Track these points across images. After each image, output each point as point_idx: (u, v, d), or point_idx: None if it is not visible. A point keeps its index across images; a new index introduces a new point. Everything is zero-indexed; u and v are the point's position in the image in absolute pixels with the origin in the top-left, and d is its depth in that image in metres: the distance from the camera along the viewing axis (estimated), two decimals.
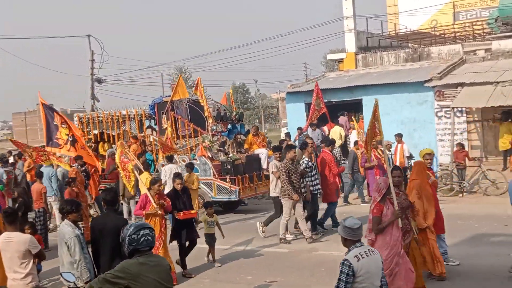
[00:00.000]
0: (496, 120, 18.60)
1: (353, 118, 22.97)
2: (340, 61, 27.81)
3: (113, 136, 18.78)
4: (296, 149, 13.36)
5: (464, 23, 28.66)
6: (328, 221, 13.66)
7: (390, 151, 16.11)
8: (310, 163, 12.91)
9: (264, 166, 17.07)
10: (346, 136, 21.77)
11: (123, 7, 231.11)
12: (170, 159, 15.35)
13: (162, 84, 64.00)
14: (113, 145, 18.33)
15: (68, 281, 6.58)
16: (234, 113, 17.80)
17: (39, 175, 14.20)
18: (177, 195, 10.78)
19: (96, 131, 19.29)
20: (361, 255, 5.47)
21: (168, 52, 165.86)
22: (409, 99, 21.46)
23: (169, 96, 17.94)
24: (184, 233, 10.55)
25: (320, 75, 28.31)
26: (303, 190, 12.54)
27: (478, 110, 19.92)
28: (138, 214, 10.36)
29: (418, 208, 8.79)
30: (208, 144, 16.88)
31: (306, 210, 12.81)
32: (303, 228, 12.40)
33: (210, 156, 16.66)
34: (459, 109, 19.96)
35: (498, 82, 18.77)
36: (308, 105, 22.96)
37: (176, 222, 10.69)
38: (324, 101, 20.54)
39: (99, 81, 35.47)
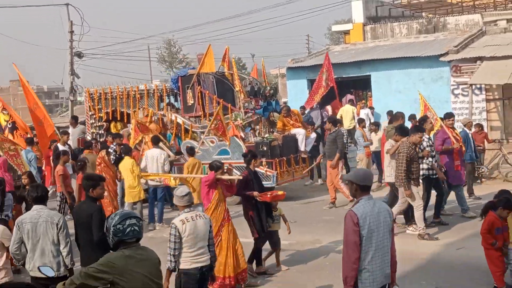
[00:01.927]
0: None
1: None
2: (346, 33, 27.73)
3: (128, 114, 18.14)
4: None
5: None
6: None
7: (470, 130, 15.65)
8: (430, 142, 12.45)
9: (302, 148, 16.76)
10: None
11: None
12: (155, 142, 15.09)
13: (149, 58, 63.89)
14: (128, 124, 17.87)
15: (47, 276, 6.59)
16: (268, 88, 17.27)
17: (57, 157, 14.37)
18: (256, 176, 10.18)
19: (108, 110, 18.65)
20: (187, 219, 7.13)
21: (155, 24, 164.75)
22: (423, 75, 21.42)
23: (193, 68, 17.55)
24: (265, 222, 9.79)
25: (324, 48, 28.15)
26: (431, 171, 12.11)
27: (499, 87, 19.89)
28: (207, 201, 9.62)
29: None
30: (241, 123, 16.17)
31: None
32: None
33: (243, 136, 16.10)
34: (478, 86, 19.92)
35: None
36: (311, 82, 22.92)
37: (255, 209, 9.75)
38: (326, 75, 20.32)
39: (79, 55, 35.28)
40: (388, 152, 11.95)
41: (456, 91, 20.92)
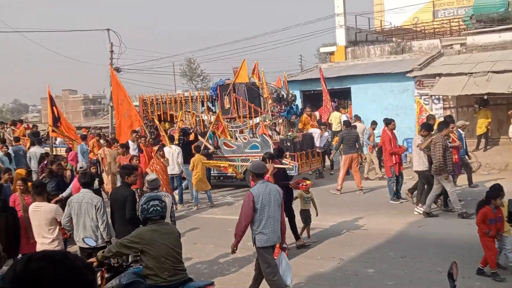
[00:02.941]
0: (476, 107, 18.61)
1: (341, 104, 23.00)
2: (332, 53, 27.65)
3: (175, 116, 17.98)
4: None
5: (442, 20, 28.45)
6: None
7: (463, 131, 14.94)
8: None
9: (317, 144, 16.82)
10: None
11: (140, 4, 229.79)
12: (171, 140, 15.03)
13: (173, 72, 63.71)
14: (174, 125, 17.79)
15: (89, 245, 6.60)
16: (290, 95, 17.04)
17: (126, 147, 14.38)
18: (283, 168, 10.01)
19: (159, 112, 18.51)
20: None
21: (179, 45, 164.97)
22: (393, 87, 21.38)
23: (228, 79, 17.52)
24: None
25: (314, 66, 28.13)
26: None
27: (454, 98, 19.83)
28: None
29: None
30: (269, 123, 16.29)
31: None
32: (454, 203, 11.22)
33: (270, 134, 16.18)
34: (437, 96, 19.90)
35: (471, 73, 18.70)
36: (303, 93, 23.02)
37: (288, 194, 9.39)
38: (317, 89, 20.43)
39: (118, 70, 35.28)
40: (420, 146, 11.50)
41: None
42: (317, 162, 16.90)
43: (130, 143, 15.43)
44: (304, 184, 9.73)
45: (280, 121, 16.64)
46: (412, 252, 8.88)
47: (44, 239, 7.44)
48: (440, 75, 19.72)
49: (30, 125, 23.32)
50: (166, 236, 5.28)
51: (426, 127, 11.86)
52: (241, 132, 16.55)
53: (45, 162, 13.28)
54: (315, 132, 17.07)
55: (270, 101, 16.03)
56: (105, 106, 79.75)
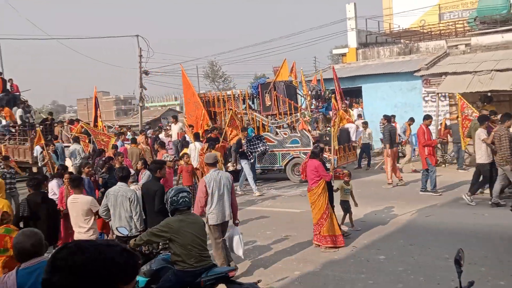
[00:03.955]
0: (479, 104, 18.28)
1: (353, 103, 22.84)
2: (344, 55, 27.48)
3: (219, 113, 17.76)
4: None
5: (448, 22, 28.01)
6: None
7: None
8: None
9: (353, 138, 16.52)
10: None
11: (167, 12, 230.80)
12: (197, 138, 14.92)
13: (197, 74, 63.91)
14: (217, 120, 17.71)
15: (123, 234, 6.66)
16: (327, 93, 16.74)
17: (162, 145, 14.50)
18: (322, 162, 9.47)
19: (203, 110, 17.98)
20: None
21: (201, 49, 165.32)
22: (401, 86, 21.20)
23: (268, 78, 17.44)
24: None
25: (327, 67, 27.99)
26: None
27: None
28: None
29: None
30: (309, 119, 16.01)
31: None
32: None
33: (309, 129, 15.89)
34: (443, 94, 19.69)
35: (476, 72, 18.48)
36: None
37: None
38: (331, 88, 20.21)
39: (146, 72, 35.55)
40: (486, 140, 10.92)
41: (426, 98, 20.67)
42: (353, 155, 16.54)
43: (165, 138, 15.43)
44: (341, 173, 9.72)
45: (318, 116, 16.28)
46: (420, 240, 8.79)
47: (81, 229, 7.52)
48: (446, 74, 19.49)
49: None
50: (192, 226, 5.30)
51: (485, 119, 11.40)
52: (280, 127, 16.22)
53: (103, 157, 12.99)
54: (351, 127, 16.70)
55: (309, 98, 15.70)
56: (135, 106, 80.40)
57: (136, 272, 1.71)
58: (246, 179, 14.70)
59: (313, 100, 16.37)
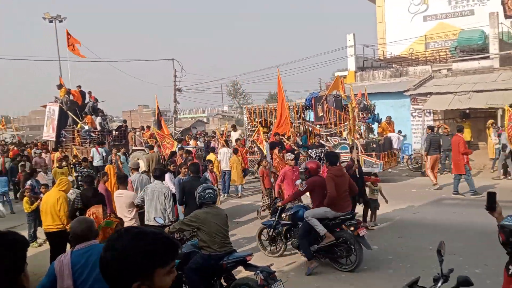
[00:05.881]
0: (461, 120, 18.15)
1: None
2: (344, 77, 27.35)
3: (273, 122, 16.39)
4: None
5: (432, 50, 27.75)
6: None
7: None
8: None
9: (395, 146, 15.74)
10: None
11: (197, 38, 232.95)
12: (226, 144, 14.78)
13: (221, 91, 64.20)
14: (271, 129, 16.45)
15: (159, 223, 6.71)
16: (373, 105, 16.16)
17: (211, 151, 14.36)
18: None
19: (261, 119, 17.10)
20: None
21: (225, 70, 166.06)
22: (393, 103, 21.00)
23: (319, 91, 16.65)
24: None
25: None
26: None
27: (442, 112, 19.46)
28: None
29: None
30: (358, 129, 14.94)
31: None
32: None
33: (358, 137, 14.91)
34: (428, 111, 19.53)
35: (456, 92, 18.33)
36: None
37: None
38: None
39: (179, 89, 35.83)
40: None
41: (414, 114, 20.49)
42: (394, 161, 15.69)
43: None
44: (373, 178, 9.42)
45: (364, 126, 15.66)
46: (408, 233, 8.69)
47: (125, 218, 7.59)
48: (430, 93, 19.33)
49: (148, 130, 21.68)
50: (216, 217, 5.32)
51: None
52: (331, 135, 15.36)
53: (174, 159, 12.50)
54: (393, 136, 16.19)
55: (356, 110, 14.84)
56: (169, 117, 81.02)
57: (175, 255, 1.73)
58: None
59: (360, 111, 15.56)
